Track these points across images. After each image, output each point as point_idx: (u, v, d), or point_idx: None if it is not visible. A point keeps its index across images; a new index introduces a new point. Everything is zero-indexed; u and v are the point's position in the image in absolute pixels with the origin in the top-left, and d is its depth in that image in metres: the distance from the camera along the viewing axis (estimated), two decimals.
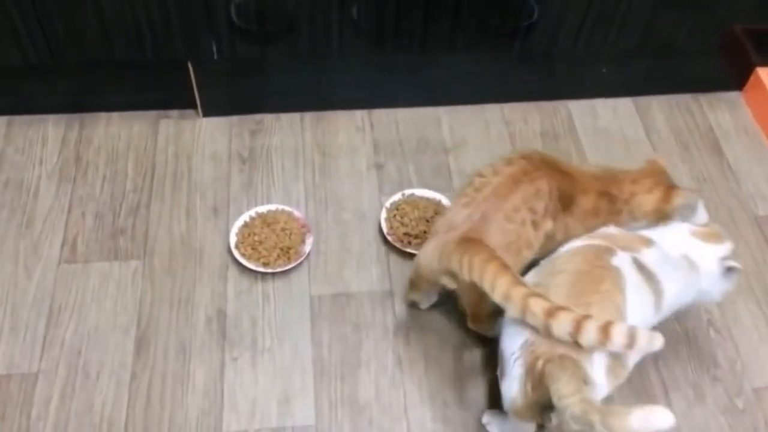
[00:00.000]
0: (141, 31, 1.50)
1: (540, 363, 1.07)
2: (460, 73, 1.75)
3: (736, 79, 1.84)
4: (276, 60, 1.68)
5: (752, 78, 1.81)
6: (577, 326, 1.04)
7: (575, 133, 1.74)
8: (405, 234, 1.50)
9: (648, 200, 1.33)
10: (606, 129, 1.76)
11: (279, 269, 1.45)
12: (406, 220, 1.51)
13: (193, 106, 1.72)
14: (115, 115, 1.71)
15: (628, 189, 1.33)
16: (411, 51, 1.69)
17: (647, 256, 1.20)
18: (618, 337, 1.03)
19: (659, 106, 1.82)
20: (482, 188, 1.23)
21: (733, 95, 1.85)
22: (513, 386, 1.11)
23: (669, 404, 1.33)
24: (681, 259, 1.23)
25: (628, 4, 1.60)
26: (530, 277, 1.21)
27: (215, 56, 1.58)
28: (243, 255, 1.46)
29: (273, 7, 1.56)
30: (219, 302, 1.43)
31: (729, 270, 1.23)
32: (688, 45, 1.72)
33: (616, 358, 1.10)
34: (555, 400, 1.02)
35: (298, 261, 1.46)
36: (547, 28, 1.66)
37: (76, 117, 1.70)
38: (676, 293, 1.20)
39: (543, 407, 1.09)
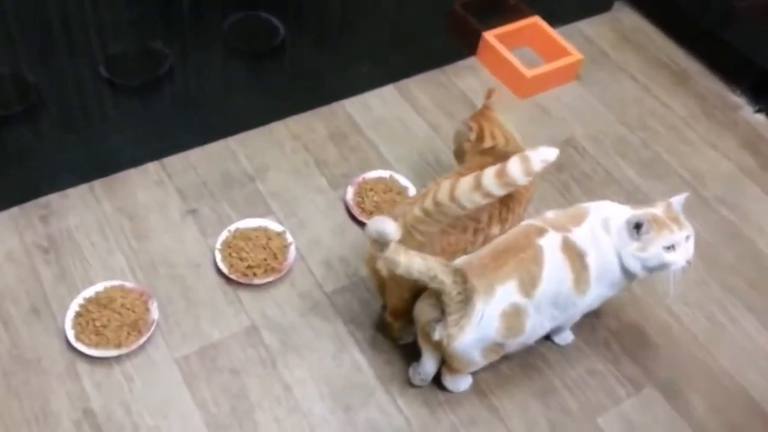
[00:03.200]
0: None
1: None
2: (236, 102, 1.77)
3: (468, 47, 2.09)
4: (44, 137, 1.56)
5: (481, 42, 2.07)
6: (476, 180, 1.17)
7: (358, 128, 1.86)
8: (248, 267, 1.50)
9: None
10: (382, 117, 1.90)
11: (134, 346, 1.37)
12: (243, 254, 1.51)
13: None
14: None
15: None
16: (180, 94, 1.67)
17: (576, 234, 1.28)
18: (514, 166, 1.16)
19: (416, 85, 2.00)
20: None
21: (471, 61, 2.10)
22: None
23: None
24: (601, 224, 1.29)
25: (372, 5, 1.76)
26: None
27: None
28: (89, 345, 1.36)
29: (19, 85, 1.45)
30: (80, 402, 1.32)
31: (635, 227, 1.25)
32: (423, 28, 1.93)
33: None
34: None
35: (150, 331, 1.40)
36: (299, 43, 1.76)
37: None
38: (600, 263, 1.28)
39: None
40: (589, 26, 2.24)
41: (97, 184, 1.65)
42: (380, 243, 1.15)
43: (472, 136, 1.47)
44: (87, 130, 1.62)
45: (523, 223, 1.34)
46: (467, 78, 2.05)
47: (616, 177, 1.84)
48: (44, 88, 1.51)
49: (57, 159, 1.60)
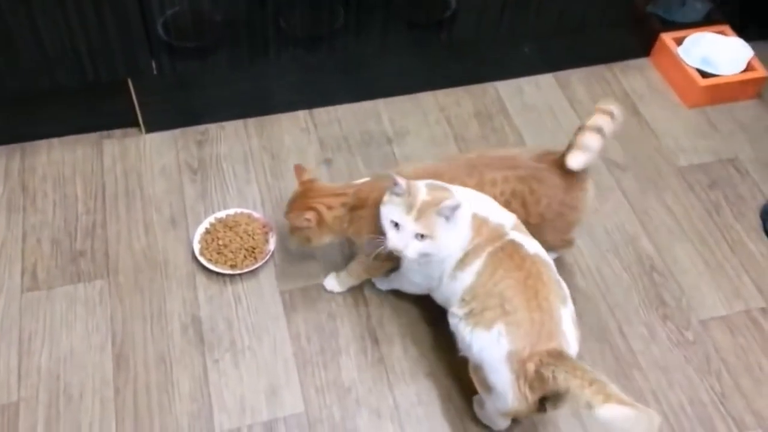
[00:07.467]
0: (80, 55, 1.50)
1: (531, 366, 1.12)
2: (392, 67, 1.82)
3: (643, 46, 1.99)
4: (213, 71, 1.70)
5: (657, 43, 1.96)
6: None
7: (506, 110, 1.85)
8: None
9: None
10: (533, 104, 1.87)
11: (247, 269, 1.48)
12: None
13: (135, 124, 1.72)
14: (55, 141, 1.70)
15: None
16: (343, 52, 1.75)
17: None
18: None
19: (577, 78, 1.95)
20: None
21: (642, 61, 2.00)
22: (507, 396, 1.15)
23: (627, 344, 1.44)
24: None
25: None
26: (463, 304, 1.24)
27: (155, 72, 1.60)
28: (209, 260, 1.48)
29: (203, 21, 1.59)
30: (192, 309, 1.45)
31: None
32: (597, 20, 1.86)
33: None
34: (573, 394, 1.07)
35: (265, 260, 1.50)
36: (469, 17, 1.76)
37: (15, 147, 1.68)
38: None
39: (542, 400, 1.15)
40: None
41: (251, 121, 1.78)
42: None
43: (312, 224, 1.34)
44: (252, 72, 1.75)
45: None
46: (634, 78, 1.96)
47: None
48: (223, 29, 1.65)
49: (222, 94, 1.75)
